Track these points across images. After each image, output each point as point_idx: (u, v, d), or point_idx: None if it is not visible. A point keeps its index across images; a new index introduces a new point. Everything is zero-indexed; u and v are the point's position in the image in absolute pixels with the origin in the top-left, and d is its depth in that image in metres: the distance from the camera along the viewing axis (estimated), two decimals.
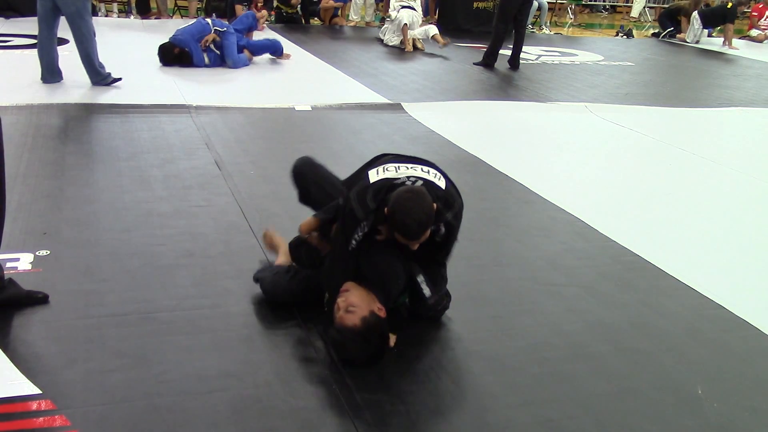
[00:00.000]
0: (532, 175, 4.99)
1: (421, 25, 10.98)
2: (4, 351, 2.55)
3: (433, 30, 10.82)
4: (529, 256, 3.76)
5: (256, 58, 8.77)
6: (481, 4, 13.37)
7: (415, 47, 10.70)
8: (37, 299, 2.90)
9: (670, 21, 14.38)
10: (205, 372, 2.56)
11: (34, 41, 7.27)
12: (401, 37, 10.75)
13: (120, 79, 6.86)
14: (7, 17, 10.84)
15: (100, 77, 6.75)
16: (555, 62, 10.44)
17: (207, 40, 8.08)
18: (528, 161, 5.43)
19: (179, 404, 2.37)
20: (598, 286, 3.44)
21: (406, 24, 10.68)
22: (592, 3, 19.28)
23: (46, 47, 6.68)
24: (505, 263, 3.67)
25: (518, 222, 4.30)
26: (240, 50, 8.47)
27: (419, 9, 11.07)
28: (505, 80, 9.02)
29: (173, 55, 8.09)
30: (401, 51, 10.55)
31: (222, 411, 2.36)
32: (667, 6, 15.63)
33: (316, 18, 13.38)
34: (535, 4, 14.31)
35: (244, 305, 3.01)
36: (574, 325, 3.06)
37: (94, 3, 11.77)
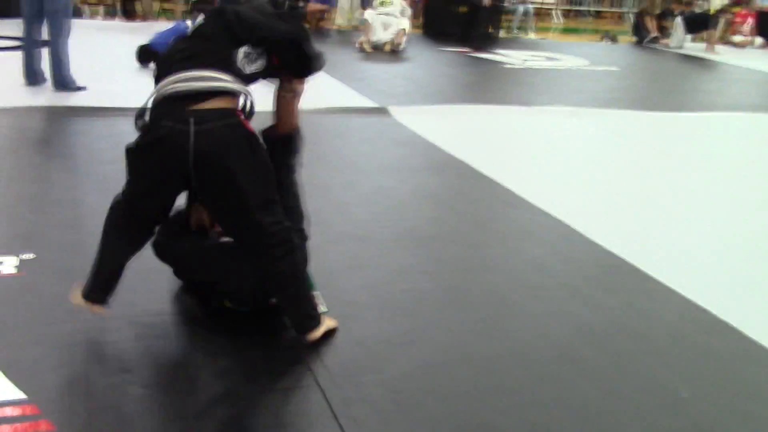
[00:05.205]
0: (517, 179, 5.01)
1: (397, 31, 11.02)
2: None
3: (404, 24, 10.94)
4: (514, 260, 3.78)
5: None
6: (463, 8, 13.41)
7: (392, 50, 10.84)
8: None
9: (641, 25, 14.48)
10: (193, 376, 2.55)
11: (16, 43, 7.23)
12: (390, 36, 10.82)
13: (84, 87, 6.66)
14: None
15: (64, 81, 6.57)
16: (540, 67, 10.49)
17: None
18: (513, 165, 5.45)
19: (165, 409, 2.36)
20: (583, 289, 3.46)
21: (368, 21, 10.83)
22: (578, 8, 19.41)
23: (30, 47, 6.64)
24: (491, 267, 3.69)
25: (504, 226, 4.32)
26: None
27: (398, 15, 11.10)
28: (491, 85, 9.06)
29: (151, 56, 8.07)
30: (387, 55, 10.58)
31: (209, 415, 2.35)
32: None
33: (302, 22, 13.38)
34: (521, 8, 14.42)
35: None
36: (559, 328, 3.07)
37: (79, 5, 11.70)
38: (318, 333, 2.77)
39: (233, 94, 2.53)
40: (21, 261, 3.26)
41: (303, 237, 2.93)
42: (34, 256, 3.32)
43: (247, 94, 2.59)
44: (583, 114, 7.30)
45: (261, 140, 2.64)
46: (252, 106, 2.65)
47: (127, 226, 2.73)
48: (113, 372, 2.54)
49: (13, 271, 3.18)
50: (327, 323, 2.82)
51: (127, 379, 2.49)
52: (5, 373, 2.42)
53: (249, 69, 2.59)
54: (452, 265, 3.65)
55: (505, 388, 2.61)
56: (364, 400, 2.47)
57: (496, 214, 4.50)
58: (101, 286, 2.75)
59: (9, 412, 2.26)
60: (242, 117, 2.55)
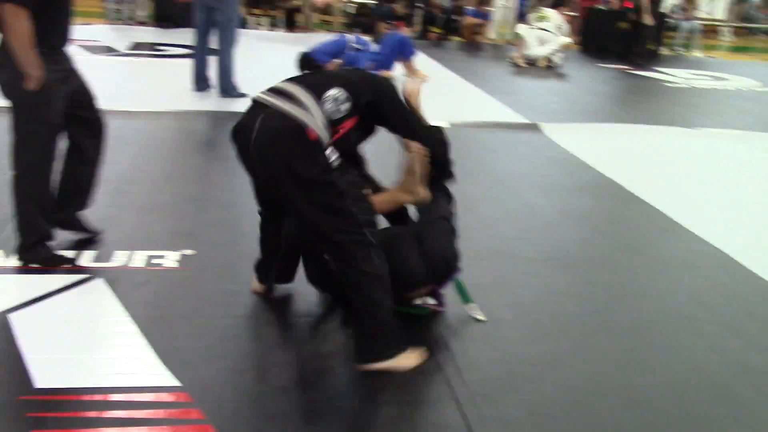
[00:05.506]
0: (675, 203, 4.77)
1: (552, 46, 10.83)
2: (149, 343, 2.70)
3: (564, 39, 10.74)
4: (668, 289, 3.59)
5: (393, 73, 8.71)
6: (624, 24, 12.95)
7: (548, 66, 10.64)
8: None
9: None
10: (332, 379, 2.61)
11: (188, 51, 7.71)
12: (546, 51, 10.65)
13: (247, 94, 6.97)
14: (166, 27, 11.55)
15: (229, 88, 6.92)
16: (705, 87, 9.96)
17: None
18: (670, 188, 5.19)
19: (302, 408, 2.42)
20: (744, 325, 3.23)
21: (522, 35, 10.69)
22: (750, 26, 18.29)
23: (200, 55, 7.06)
24: (642, 294, 3.52)
25: (658, 252, 4.11)
26: (376, 69, 8.47)
27: (555, 30, 10.89)
28: (650, 104, 8.70)
29: (309, 64, 8.32)
30: (541, 70, 10.41)
31: (344, 419, 2.39)
32: None
33: (456, 35, 13.45)
34: (687, 25, 13.78)
35: None
36: (715, 365, 2.88)
37: (245, 16, 12.33)
38: (373, 367, 2.61)
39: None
40: (182, 256, 3.46)
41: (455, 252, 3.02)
42: (194, 252, 3.51)
43: (317, 128, 2.61)
44: (751, 138, 6.86)
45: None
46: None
47: (261, 206, 3.00)
48: (262, 367, 2.64)
49: (175, 265, 3.38)
50: (394, 362, 2.62)
51: (273, 375, 2.58)
52: (164, 362, 2.58)
53: (332, 111, 2.68)
54: (601, 289, 3.52)
55: (652, 424, 2.48)
56: (502, 420, 2.43)
57: (651, 240, 4.30)
58: (260, 270, 3.11)
59: (164, 397, 2.40)
60: (307, 127, 2.58)
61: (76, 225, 3.57)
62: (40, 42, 3.04)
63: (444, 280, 3.01)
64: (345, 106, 2.69)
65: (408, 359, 2.66)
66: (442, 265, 2.96)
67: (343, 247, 2.57)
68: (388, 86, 2.88)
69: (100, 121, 3.50)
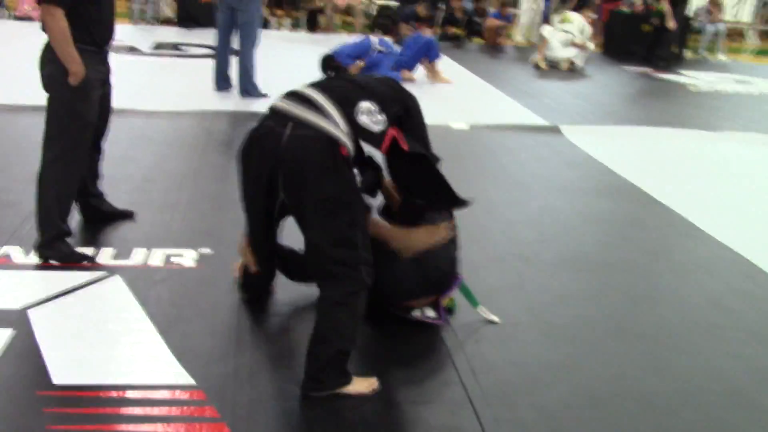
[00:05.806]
0: (696, 208, 4.72)
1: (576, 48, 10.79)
2: (165, 341, 2.71)
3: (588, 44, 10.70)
4: (687, 294, 3.55)
5: (414, 75, 8.67)
6: (647, 27, 12.85)
7: (570, 69, 10.60)
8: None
9: None
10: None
11: (210, 51, 7.76)
12: (568, 54, 10.60)
13: (268, 95, 6.82)
14: (189, 28, 11.64)
15: (250, 88, 6.93)
16: (730, 90, 9.86)
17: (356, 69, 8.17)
18: (692, 193, 5.14)
19: (320, 407, 2.42)
20: (765, 331, 3.19)
21: (545, 37, 10.65)
22: None
23: (222, 55, 7.11)
24: (661, 299, 3.49)
25: (678, 257, 4.08)
26: (398, 70, 8.47)
27: (577, 33, 10.83)
28: (673, 107, 8.63)
29: (331, 66, 8.28)
30: (563, 73, 10.36)
31: (359, 420, 2.38)
32: None
33: (478, 37, 13.42)
34: (711, 28, 13.64)
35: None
36: (735, 371, 2.85)
37: (267, 18, 12.38)
38: (322, 392, 2.48)
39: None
40: (200, 255, 3.48)
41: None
42: (212, 251, 3.53)
43: (343, 142, 2.50)
44: None
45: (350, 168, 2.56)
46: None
47: (250, 221, 2.91)
48: (277, 367, 2.64)
49: (193, 264, 3.39)
50: (348, 388, 2.50)
51: (287, 375, 2.57)
52: (179, 360, 2.59)
53: (368, 124, 2.55)
54: (620, 293, 3.49)
55: (670, 429, 2.46)
56: (516, 422, 2.42)
57: (671, 244, 4.26)
58: (247, 283, 3.10)
59: (180, 395, 2.41)
60: (340, 143, 2.48)
61: (111, 214, 3.79)
62: (84, 38, 3.15)
63: (442, 289, 2.97)
64: (382, 117, 2.55)
65: (359, 385, 2.52)
66: (436, 274, 2.91)
67: (334, 276, 2.47)
68: (415, 102, 2.75)
69: (102, 138, 3.63)
